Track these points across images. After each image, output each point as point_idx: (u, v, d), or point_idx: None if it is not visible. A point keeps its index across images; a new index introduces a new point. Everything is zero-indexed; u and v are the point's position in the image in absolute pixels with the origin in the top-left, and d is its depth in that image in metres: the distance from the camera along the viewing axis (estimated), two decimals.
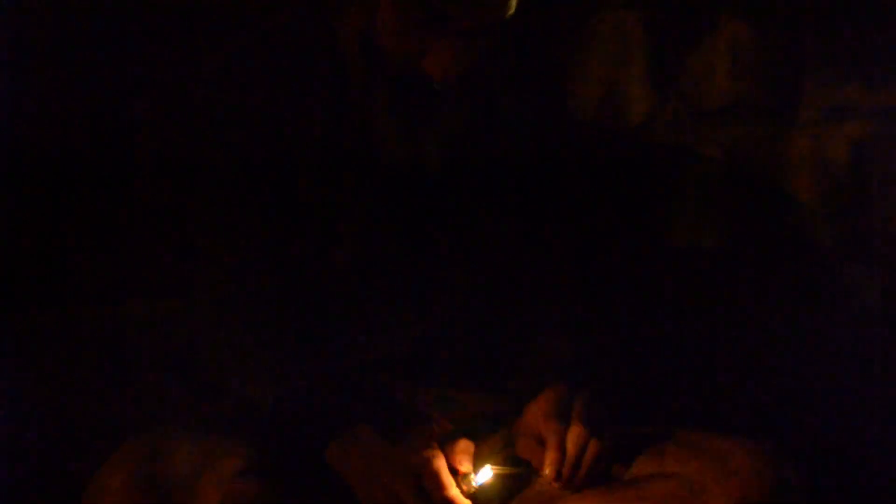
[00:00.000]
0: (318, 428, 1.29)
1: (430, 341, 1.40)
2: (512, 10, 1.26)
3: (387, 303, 1.39)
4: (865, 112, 1.76)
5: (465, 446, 1.28)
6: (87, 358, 1.74)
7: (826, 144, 1.78)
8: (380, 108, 1.35)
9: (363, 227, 1.37)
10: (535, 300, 1.44)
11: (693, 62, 1.80)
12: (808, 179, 1.79)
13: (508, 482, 1.30)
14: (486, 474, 1.26)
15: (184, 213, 1.42)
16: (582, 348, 1.40)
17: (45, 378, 1.71)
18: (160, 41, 1.72)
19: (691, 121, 1.81)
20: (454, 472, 1.25)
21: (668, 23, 1.81)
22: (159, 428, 1.30)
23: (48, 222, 1.74)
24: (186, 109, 1.43)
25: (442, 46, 1.26)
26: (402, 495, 1.22)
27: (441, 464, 1.23)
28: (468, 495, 1.24)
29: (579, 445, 1.26)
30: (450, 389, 1.41)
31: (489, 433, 1.38)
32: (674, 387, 1.60)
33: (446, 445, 1.27)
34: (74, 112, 1.73)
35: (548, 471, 1.26)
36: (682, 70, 1.81)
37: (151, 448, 1.23)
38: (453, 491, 1.22)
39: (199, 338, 1.37)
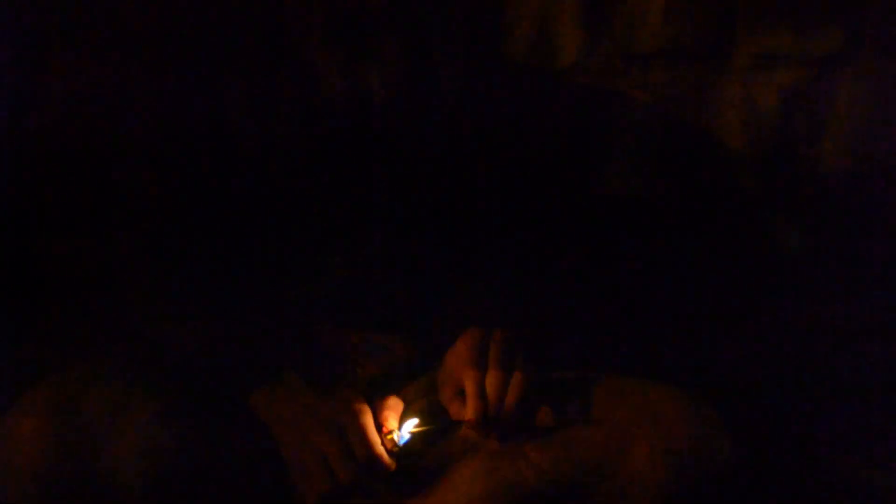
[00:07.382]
0: (242, 373, 1.27)
1: (358, 285, 1.38)
2: None
3: (314, 245, 1.36)
4: (796, 60, 1.76)
5: (393, 403, 1.25)
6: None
7: (756, 92, 1.78)
8: (317, 43, 1.31)
9: (296, 165, 1.33)
10: (463, 245, 1.42)
11: (626, 4, 1.78)
12: (738, 126, 1.79)
13: (432, 436, 1.28)
14: (408, 435, 1.23)
15: (107, 150, 1.38)
16: (510, 295, 1.39)
17: None
18: None
19: (622, 64, 1.79)
20: (380, 427, 1.23)
21: None
22: (72, 370, 1.25)
23: None
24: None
25: None
26: (326, 450, 1.20)
27: (367, 420, 1.21)
28: (392, 454, 1.22)
29: (498, 388, 1.24)
30: (376, 334, 1.39)
31: (414, 379, 1.36)
32: (601, 333, 1.59)
33: (375, 401, 1.25)
34: None
35: (470, 419, 1.24)
36: (614, 11, 1.78)
37: (64, 392, 1.19)
38: (378, 449, 1.20)
39: (120, 278, 1.33)
